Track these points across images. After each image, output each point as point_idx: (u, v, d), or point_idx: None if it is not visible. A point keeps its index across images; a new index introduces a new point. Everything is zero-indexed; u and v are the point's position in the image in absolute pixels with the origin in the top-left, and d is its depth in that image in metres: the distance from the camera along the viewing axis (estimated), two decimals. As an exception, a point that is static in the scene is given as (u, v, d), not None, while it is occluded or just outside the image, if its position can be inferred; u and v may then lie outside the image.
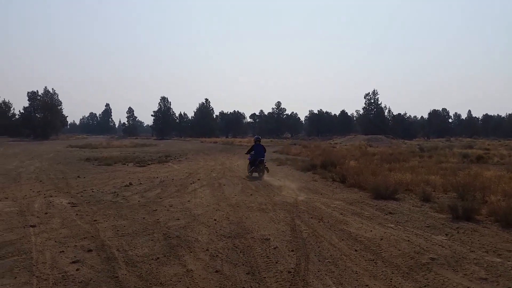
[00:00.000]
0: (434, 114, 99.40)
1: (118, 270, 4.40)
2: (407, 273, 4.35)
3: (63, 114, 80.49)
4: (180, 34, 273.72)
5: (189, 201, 8.82)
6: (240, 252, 5.09)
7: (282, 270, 4.41)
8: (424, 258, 4.83)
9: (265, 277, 4.22)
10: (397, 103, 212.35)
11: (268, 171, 13.67)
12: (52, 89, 79.58)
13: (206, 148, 37.39)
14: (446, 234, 5.98)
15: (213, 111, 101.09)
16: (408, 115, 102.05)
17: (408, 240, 5.62)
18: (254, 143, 14.41)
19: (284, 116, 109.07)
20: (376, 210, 7.78)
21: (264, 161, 13.63)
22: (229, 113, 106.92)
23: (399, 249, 5.21)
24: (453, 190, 9.45)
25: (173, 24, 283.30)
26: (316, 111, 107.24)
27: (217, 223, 6.67)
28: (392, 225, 6.53)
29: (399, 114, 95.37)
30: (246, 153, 14.91)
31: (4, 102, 77.64)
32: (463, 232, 6.09)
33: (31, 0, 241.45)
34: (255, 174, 13.56)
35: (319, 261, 4.73)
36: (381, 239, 5.68)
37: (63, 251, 5.07)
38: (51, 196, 9.30)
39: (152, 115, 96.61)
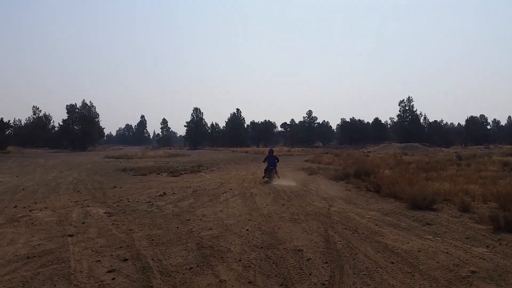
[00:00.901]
0: (471, 120, 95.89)
1: (153, 280, 4.46)
2: (446, 286, 4.19)
3: (100, 126, 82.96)
4: (210, 46, 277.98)
5: (221, 210, 8.87)
6: (273, 263, 5.05)
7: (316, 282, 4.34)
8: (464, 271, 4.63)
9: (298, 289, 4.16)
10: (433, 109, 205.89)
11: (278, 176, 15.55)
12: (90, 101, 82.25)
13: (238, 157, 37.58)
14: (487, 246, 5.72)
15: (244, 121, 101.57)
16: (444, 122, 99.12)
17: (447, 252, 5.41)
18: (268, 154, 16.34)
19: (316, 124, 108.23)
20: (413, 221, 7.54)
21: (275, 169, 15.68)
22: (260, 122, 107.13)
23: (438, 261, 5.02)
24: (493, 199, 9.06)
25: (203, 37, 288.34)
26: (348, 119, 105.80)
27: (249, 233, 6.66)
28: (430, 237, 6.31)
29: (435, 121, 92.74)
30: (263, 161, 17.11)
31: (44, 115, 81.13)
32: (505, 244, 5.80)
33: (67, 19, 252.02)
34: (268, 178, 15.36)
35: (354, 273, 4.62)
36: (419, 251, 5.50)
37: (99, 260, 5.20)
38: (88, 206, 9.59)
39: (185, 126, 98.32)
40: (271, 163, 15.70)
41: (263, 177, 15.81)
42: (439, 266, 4.84)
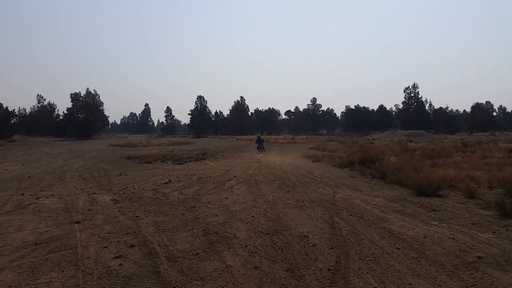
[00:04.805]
0: (477, 107, 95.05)
1: (160, 265, 4.49)
2: (452, 271, 4.19)
3: (104, 114, 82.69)
4: (214, 34, 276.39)
5: (226, 198, 8.89)
6: (279, 249, 5.07)
7: (321, 268, 4.35)
8: (471, 256, 4.63)
9: (304, 275, 4.18)
10: (438, 96, 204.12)
11: (265, 152, 24.49)
12: (94, 90, 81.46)
13: (242, 145, 37.56)
14: (494, 232, 5.70)
15: (248, 108, 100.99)
16: (450, 108, 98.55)
17: (453, 238, 5.40)
18: (257, 138, 26.62)
19: (320, 112, 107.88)
20: (418, 207, 7.53)
21: (262, 147, 25.26)
22: (264, 110, 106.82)
23: (444, 247, 5.02)
24: (499, 186, 9.02)
25: (207, 25, 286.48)
26: (352, 107, 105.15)
27: (254, 220, 6.68)
28: (435, 223, 6.30)
29: (441, 108, 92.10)
30: (255, 143, 26.83)
31: (49, 104, 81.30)
32: (512, 230, 5.80)
33: (72, 9, 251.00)
34: (259, 153, 23.77)
35: (360, 259, 4.63)
36: (425, 237, 5.50)
37: (106, 247, 5.24)
38: (94, 193, 9.64)
39: (189, 114, 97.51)
40: (260, 143, 25.45)
41: (257, 153, 24.31)
42: (445, 251, 4.83)
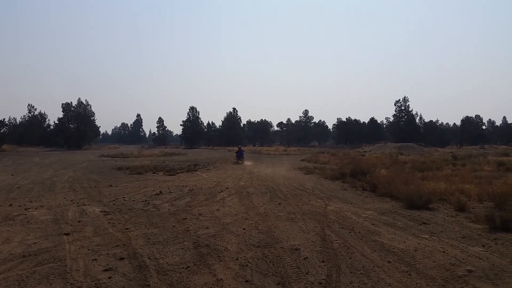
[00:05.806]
0: (467, 121, 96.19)
1: (149, 279, 4.45)
2: (442, 285, 4.20)
3: (95, 124, 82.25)
4: (207, 45, 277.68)
5: (218, 209, 8.85)
6: (270, 262, 5.05)
7: (313, 281, 4.34)
8: (461, 270, 4.65)
9: (295, 288, 4.16)
10: (428, 109, 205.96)
11: (243, 162, 27.40)
12: (86, 100, 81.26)
13: (234, 157, 37.45)
14: (483, 245, 5.74)
15: (240, 120, 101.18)
16: (440, 122, 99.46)
17: (443, 251, 5.42)
18: (238, 149, 30.19)
19: (312, 124, 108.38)
20: (409, 220, 7.56)
21: (243, 156, 28.54)
22: (256, 122, 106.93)
23: (434, 260, 5.04)
24: (489, 199, 9.11)
25: (200, 36, 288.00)
26: (344, 119, 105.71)
27: (246, 232, 6.65)
28: (426, 236, 6.32)
29: (431, 121, 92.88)
30: (235, 153, 29.78)
31: (40, 113, 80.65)
32: (501, 244, 5.82)
33: (63, 18, 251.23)
34: (239, 162, 26.85)
35: (351, 272, 4.62)
36: (415, 250, 5.51)
37: (95, 259, 5.17)
38: (84, 205, 9.54)
39: (181, 125, 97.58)
40: (240, 154, 28.38)
41: (235, 162, 27.39)
42: (436, 265, 4.85)
